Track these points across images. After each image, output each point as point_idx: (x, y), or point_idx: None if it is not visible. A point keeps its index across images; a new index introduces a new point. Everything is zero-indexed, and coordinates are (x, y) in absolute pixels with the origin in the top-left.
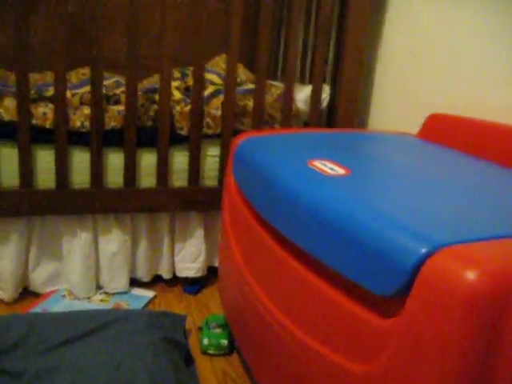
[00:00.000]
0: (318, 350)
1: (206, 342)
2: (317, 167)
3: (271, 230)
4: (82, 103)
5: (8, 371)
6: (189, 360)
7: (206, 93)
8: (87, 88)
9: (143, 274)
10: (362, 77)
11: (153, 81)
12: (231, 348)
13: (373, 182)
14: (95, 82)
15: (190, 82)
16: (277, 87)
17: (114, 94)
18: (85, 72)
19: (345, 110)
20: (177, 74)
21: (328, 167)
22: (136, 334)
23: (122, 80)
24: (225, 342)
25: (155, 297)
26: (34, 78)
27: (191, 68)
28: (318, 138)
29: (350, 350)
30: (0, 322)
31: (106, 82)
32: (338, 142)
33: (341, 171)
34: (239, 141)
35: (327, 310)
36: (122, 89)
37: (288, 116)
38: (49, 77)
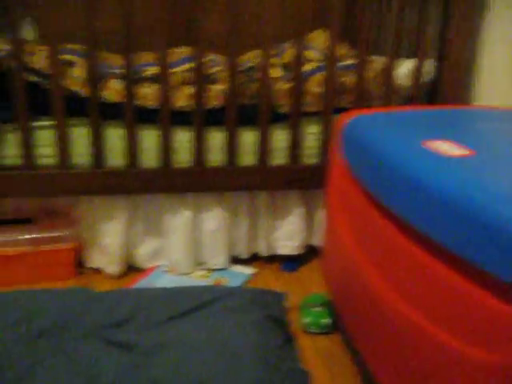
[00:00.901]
0: (435, 334)
1: (306, 320)
2: (436, 148)
3: (384, 211)
4: (182, 83)
5: (121, 344)
6: (290, 338)
7: (306, 69)
8: (185, 66)
9: (242, 251)
10: (469, 49)
11: (245, 58)
12: (332, 327)
13: (502, 162)
14: (198, 61)
15: (286, 58)
16: (377, 62)
17: (212, 73)
18: (181, 51)
19: (451, 85)
20: (273, 51)
21: (449, 147)
22: (240, 312)
23: (217, 58)
24: (325, 320)
25: (254, 274)
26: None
27: (285, 44)
28: (431, 116)
29: (470, 336)
30: (112, 296)
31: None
32: (453, 119)
33: (464, 152)
34: (348, 119)
35: (447, 294)
36: (218, 67)
37: (389, 92)
38: (146, 57)
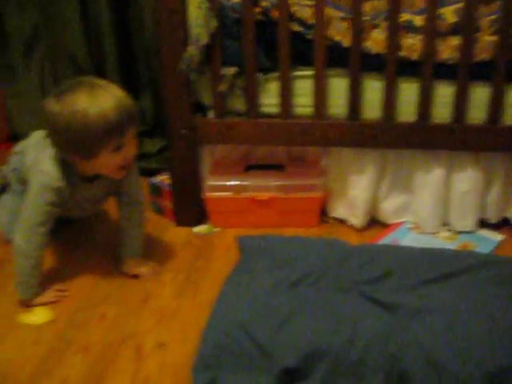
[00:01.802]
0: None
1: None
2: None
3: None
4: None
5: (379, 302)
6: None
7: None
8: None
9: (491, 216)
10: None
11: None
12: None
13: None
14: (470, 10)
15: None
16: None
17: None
18: None
19: None
20: None
21: None
22: (502, 285)
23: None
24: None
25: (502, 241)
26: (374, 4)
27: None
28: None
29: None
30: (365, 251)
31: (454, 7)
32: None
33: None
34: None
35: None
36: None
37: None
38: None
